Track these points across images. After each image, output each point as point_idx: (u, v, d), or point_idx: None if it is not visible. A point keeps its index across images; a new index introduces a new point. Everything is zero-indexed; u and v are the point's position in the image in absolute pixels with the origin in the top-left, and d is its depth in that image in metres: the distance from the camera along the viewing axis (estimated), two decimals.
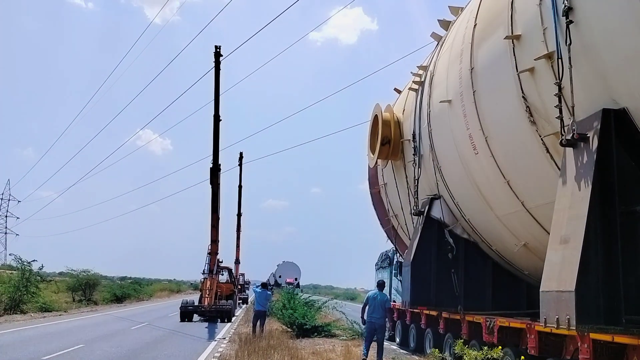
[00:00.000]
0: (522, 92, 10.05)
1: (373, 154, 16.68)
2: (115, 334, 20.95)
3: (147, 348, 17.11)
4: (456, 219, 13.95)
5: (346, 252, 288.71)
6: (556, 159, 9.78)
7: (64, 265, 43.19)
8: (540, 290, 8.88)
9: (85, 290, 42.10)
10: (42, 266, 36.44)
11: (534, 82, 9.82)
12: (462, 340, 13.03)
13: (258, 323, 19.38)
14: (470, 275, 13.94)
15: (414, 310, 15.27)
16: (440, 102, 12.73)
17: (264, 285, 20.54)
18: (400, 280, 25.62)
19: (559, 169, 9.77)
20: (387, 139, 15.70)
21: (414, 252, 14.14)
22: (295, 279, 62.35)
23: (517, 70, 10.08)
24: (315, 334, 20.24)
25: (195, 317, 29.76)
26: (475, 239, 13.82)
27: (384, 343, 14.58)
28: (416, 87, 14.93)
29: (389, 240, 20.08)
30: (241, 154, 42.44)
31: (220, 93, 26.75)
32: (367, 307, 14.27)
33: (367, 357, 14.03)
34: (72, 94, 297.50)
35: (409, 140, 15.13)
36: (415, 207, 14.61)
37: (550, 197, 10.36)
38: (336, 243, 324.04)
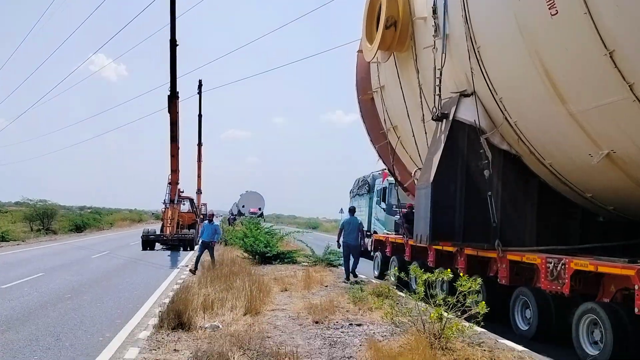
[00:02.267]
0: None
1: (371, 44, 11.02)
2: (75, 263, 18.79)
3: (108, 276, 15.37)
4: (494, 124, 8.76)
5: (309, 183, 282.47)
6: None
7: (20, 195, 37.34)
8: None
9: (43, 219, 36.06)
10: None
11: None
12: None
13: (205, 252, 16.46)
14: (508, 200, 8.92)
15: (420, 245, 10.41)
16: None
17: (210, 219, 17.38)
18: (383, 209, 20.27)
19: None
20: (393, 20, 10.17)
21: (435, 170, 8.87)
22: (259, 209, 56.86)
23: None
24: (277, 261, 18.18)
25: (157, 246, 25.99)
26: (519, 150, 8.72)
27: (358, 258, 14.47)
28: None
29: (380, 161, 14.62)
30: (200, 81, 36.81)
31: (177, 15, 22.36)
32: (343, 232, 14.28)
33: (348, 277, 13.87)
34: (18, 15, 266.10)
35: (425, 18, 9.67)
36: (436, 110, 9.26)
37: None
38: (299, 174, 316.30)
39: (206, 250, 16.44)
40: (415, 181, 11.03)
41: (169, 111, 22.96)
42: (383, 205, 20.05)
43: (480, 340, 7.09)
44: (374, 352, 6.21)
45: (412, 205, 14.27)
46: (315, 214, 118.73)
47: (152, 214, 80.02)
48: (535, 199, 9.02)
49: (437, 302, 6.84)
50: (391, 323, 7.92)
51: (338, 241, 14.49)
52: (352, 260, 14.16)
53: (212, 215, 19.68)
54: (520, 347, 7.09)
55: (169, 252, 24.09)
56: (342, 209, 37.57)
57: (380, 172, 20.69)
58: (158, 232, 26.45)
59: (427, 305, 7.16)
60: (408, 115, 11.25)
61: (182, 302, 8.54)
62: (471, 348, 6.57)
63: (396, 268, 11.76)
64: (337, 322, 8.37)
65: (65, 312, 9.59)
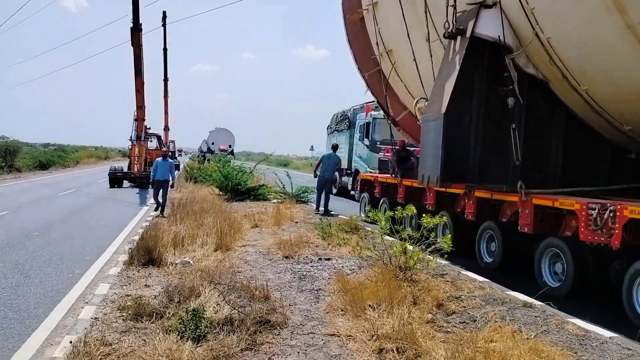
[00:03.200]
0: None
1: None
2: (41, 201, 17.52)
3: (76, 214, 14.45)
4: (520, 42, 6.97)
5: (280, 120, 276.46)
6: None
7: None
8: None
9: (6, 157, 32.74)
10: None
11: None
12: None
13: (160, 193, 14.09)
14: (532, 134, 7.32)
15: (421, 186, 8.82)
16: None
17: (164, 156, 14.72)
18: (366, 145, 17.95)
19: None
20: None
21: (447, 98, 6.99)
22: (229, 146, 53.76)
23: None
24: (250, 197, 17.34)
25: (125, 184, 24.26)
26: (547, 74, 7.00)
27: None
28: None
29: (368, 91, 12.33)
30: (164, 12, 32.66)
31: None
32: (320, 165, 14.27)
33: (319, 208, 14.01)
34: None
35: None
36: (449, 25, 7.23)
37: None
38: (269, 110, 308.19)
39: (161, 190, 13.97)
40: (417, 113, 9.28)
41: (132, 44, 20.52)
42: (366, 141, 17.94)
43: (443, 272, 6.96)
44: (341, 285, 6.08)
45: (403, 142, 12.68)
46: (286, 151, 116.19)
47: (119, 151, 75.88)
48: (562, 133, 7.42)
49: (403, 236, 6.61)
50: (358, 257, 7.61)
51: (315, 171, 14.47)
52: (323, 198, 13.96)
53: (167, 152, 17.57)
54: (481, 278, 6.85)
55: (137, 190, 22.48)
56: (312, 147, 36.00)
57: (361, 106, 18.71)
58: (125, 170, 24.59)
59: (394, 239, 6.91)
60: (408, 35, 9.17)
61: (152, 239, 8.15)
62: (434, 279, 6.50)
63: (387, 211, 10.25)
64: (306, 257, 8.11)
65: (33, 249, 9.01)
